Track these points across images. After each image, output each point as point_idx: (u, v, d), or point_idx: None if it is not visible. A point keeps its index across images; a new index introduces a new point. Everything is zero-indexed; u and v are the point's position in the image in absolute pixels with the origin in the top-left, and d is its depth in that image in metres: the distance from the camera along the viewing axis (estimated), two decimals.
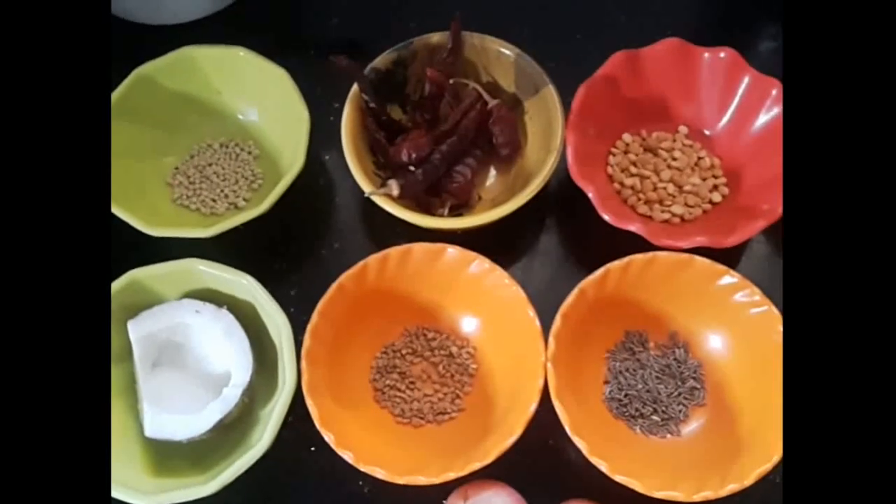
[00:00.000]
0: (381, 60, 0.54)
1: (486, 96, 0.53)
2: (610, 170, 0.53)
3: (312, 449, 0.49)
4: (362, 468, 0.43)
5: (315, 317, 0.47)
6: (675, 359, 0.49)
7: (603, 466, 0.42)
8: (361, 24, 0.63)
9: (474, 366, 0.50)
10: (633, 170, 0.53)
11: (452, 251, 0.48)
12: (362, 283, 0.49)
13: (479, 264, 0.48)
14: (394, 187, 0.48)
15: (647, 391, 0.48)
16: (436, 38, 0.55)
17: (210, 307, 0.48)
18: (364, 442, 0.45)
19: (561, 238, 0.54)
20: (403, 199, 0.50)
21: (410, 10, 0.62)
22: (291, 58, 0.56)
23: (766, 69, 0.52)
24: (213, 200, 0.55)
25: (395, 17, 0.62)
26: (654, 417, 0.48)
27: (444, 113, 0.55)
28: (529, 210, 0.50)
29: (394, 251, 0.49)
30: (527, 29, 0.62)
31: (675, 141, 0.54)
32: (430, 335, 0.51)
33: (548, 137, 0.51)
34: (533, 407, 0.44)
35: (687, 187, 0.52)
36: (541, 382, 0.44)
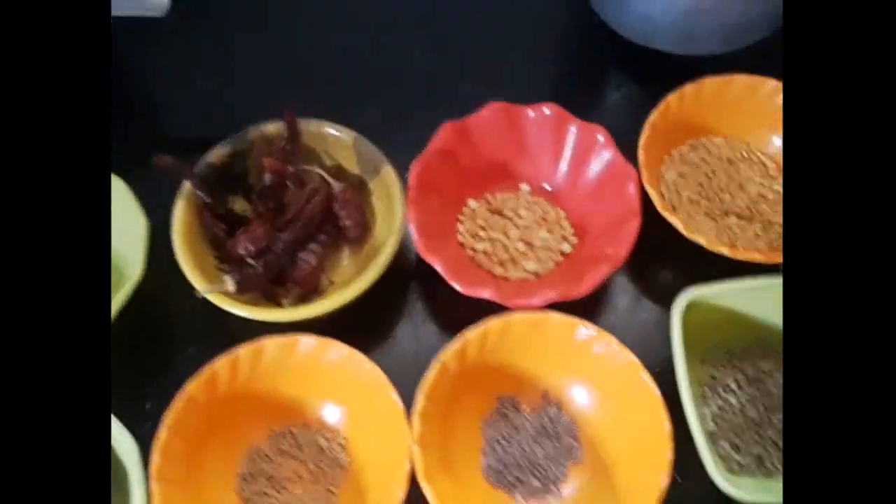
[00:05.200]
0: (216, 154, 0.53)
1: (330, 180, 0.53)
2: (460, 237, 0.53)
3: None
4: None
5: (163, 432, 0.44)
6: (549, 418, 0.48)
7: None
8: (197, 121, 0.62)
9: (346, 458, 0.48)
10: (483, 234, 0.53)
11: (307, 341, 0.46)
12: (213, 389, 0.46)
13: (337, 350, 0.46)
14: (229, 283, 0.46)
15: (524, 456, 0.47)
16: (271, 127, 0.54)
17: None
18: None
19: (423, 310, 0.53)
20: (244, 294, 0.48)
21: (251, 102, 0.62)
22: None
23: (613, 117, 0.54)
24: None
25: (233, 110, 0.61)
26: (534, 483, 0.46)
27: (290, 200, 0.54)
28: (389, 286, 0.50)
29: (243, 350, 0.46)
30: (372, 106, 0.62)
31: (518, 199, 0.55)
32: (297, 431, 0.48)
33: (390, 217, 0.51)
34: (400, 494, 0.41)
35: (537, 243, 0.53)
36: (408, 467, 0.42)
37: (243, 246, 0.48)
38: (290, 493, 0.47)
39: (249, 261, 0.48)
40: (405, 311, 0.54)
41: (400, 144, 0.54)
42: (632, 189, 0.50)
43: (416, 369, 0.47)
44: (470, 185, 0.54)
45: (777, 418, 0.46)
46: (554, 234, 0.53)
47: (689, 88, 0.54)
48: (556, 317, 0.47)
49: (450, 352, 0.46)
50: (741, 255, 0.48)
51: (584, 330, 0.46)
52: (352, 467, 0.47)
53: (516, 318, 0.47)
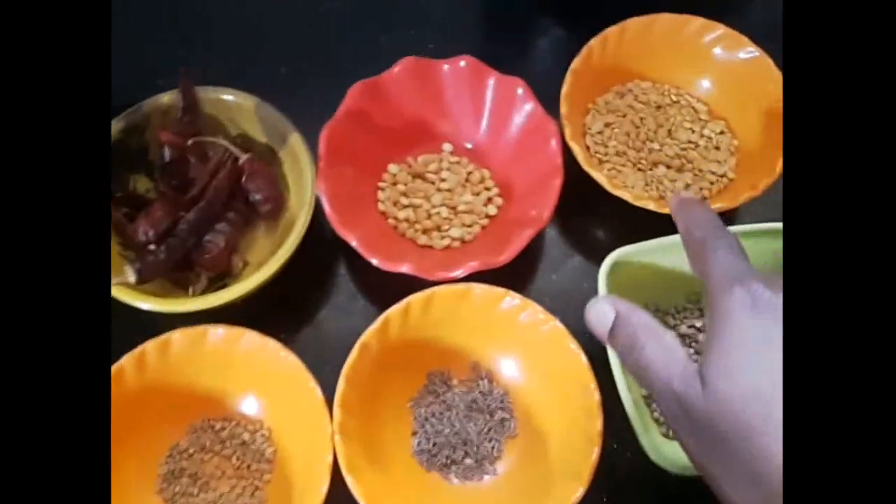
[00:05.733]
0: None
1: (235, 151, 0.49)
2: (381, 206, 0.50)
3: None
4: None
5: None
6: (480, 392, 0.46)
7: None
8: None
9: (271, 449, 0.45)
10: (405, 201, 0.50)
11: (217, 331, 0.44)
12: (120, 387, 0.43)
13: (250, 339, 0.44)
14: (129, 273, 0.43)
15: (456, 433, 0.45)
16: (166, 97, 0.50)
17: None
18: None
19: (349, 286, 0.50)
20: (146, 284, 0.44)
21: (149, 69, 0.57)
22: None
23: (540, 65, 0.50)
24: None
25: (128, 79, 0.56)
26: (468, 461, 0.45)
27: (196, 176, 0.50)
28: (309, 263, 0.47)
29: (149, 345, 0.43)
30: (283, 67, 0.58)
31: (441, 161, 0.51)
32: (219, 426, 0.46)
33: (301, 189, 0.47)
34: (324, 489, 0.39)
35: (461, 207, 0.50)
36: (330, 459, 0.40)
37: (143, 231, 0.45)
38: (213, 491, 0.44)
39: (151, 247, 0.45)
40: (330, 289, 0.51)
41: (317, 108, 0.49)
42: (554, 144, 0.48)
43: (344, 351, 0.45)
44: (389, 148, 0.51)
45: None
46: (479, 196, 0.50)
47: (611, 31, 0.51)
48: (480, 288, 0.44)
49: (370, 332, 0.43)
50: (667, 208, 0.46)
51: (509, 300, 0.44)
52: (277, 461, 0.45)
53: (439, 291, 0.44)
